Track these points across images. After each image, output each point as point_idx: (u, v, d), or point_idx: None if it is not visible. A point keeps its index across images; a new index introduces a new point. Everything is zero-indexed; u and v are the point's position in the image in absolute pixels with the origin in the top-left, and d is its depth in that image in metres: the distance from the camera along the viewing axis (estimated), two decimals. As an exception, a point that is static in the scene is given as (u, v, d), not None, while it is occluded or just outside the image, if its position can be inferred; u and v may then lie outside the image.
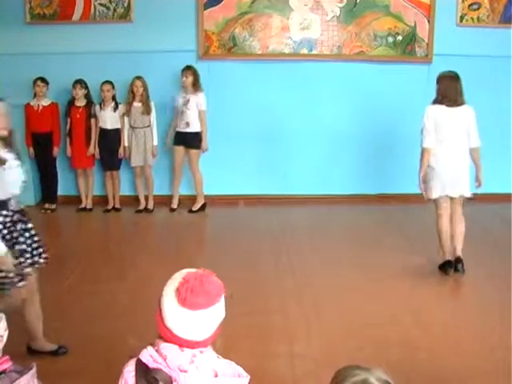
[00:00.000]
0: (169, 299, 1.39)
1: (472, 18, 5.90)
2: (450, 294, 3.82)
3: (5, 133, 2.71)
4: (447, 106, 3.99)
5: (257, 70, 5.89)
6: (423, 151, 4.01)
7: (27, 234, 2.78)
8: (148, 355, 1.38)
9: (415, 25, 5.86)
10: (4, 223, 2.67)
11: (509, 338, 3.05)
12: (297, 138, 6.05)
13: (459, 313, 3.51)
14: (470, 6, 5.87)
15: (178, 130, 5.69)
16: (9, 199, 2.71)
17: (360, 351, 2.96)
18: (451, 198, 4.07)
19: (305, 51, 5.93)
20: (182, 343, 1.39)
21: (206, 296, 1.36)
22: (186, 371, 1.36)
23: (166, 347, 1.39)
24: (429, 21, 5.84)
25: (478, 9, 5.88)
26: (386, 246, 4.84)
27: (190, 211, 5.76)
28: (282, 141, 6.02)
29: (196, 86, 5.58)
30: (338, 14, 5.84)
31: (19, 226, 2.74)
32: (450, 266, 4.03)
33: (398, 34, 5.88)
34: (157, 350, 1.39)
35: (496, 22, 5.90)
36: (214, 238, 5.10)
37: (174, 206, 5.86)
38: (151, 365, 1.36)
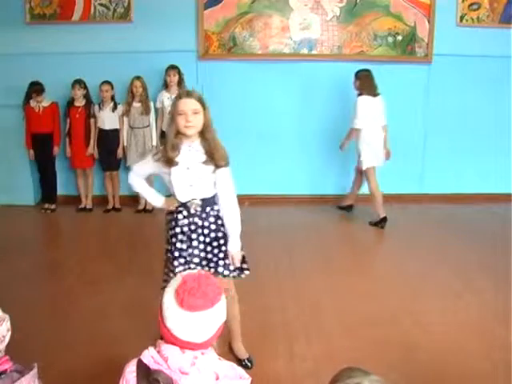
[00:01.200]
0: (169, 300, 1.39)
1: (472, 18, 5.90)
2: (450, 293, 3.82)
3: (190, 132, 2.50)
4: (372, 96, 5.14)
5: (257, 70, 5.89)
6: (353, 131, 5.23)
7: (215, 244, 2.61)
8: (149, 356, 1.38)
9: (415, 25, 5.86)
10: (182, 226, 2.58)
11: (509, 338, 3.06)
12: (297, 137, 6.05)
13: (459, 313, 3.50)
14: (469, 6, 5.87)
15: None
16: (187, 202, 2.58)
17: (360, 351, 2.96)
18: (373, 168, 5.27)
19: (305, 51, 5.93)
20: (183, 344, 1.38)
21: (204, 298, 1.36)
22: (187, 373, 1.35)
23: (167, 348, 1.38)
24: (429, 21, 5.83)
25: (478, 9, 5.88)
26: (385, 246, 4.85)
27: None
28: (281, 140, 6.02)
29: (181, 85, 5.60)
30: (338, 14, 5.84)
31: (200, 231, 2.59)
32: (385, 221, 5.20)
33: (397, 33, 5.88)
34: (158, 351, 1.38)
35: (496, 22, 5.90)
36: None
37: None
38: (152, 366, 1.36)
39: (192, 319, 1.36)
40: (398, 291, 3.83)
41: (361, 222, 5.44)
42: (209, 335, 1.40)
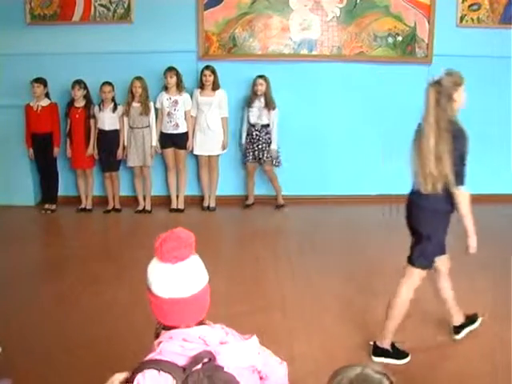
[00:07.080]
0: (151, 266, 1.44)
1: (472, 19, 5.89)
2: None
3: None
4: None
5: (257, 70, 5.87)
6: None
7: None
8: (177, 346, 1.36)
9: (415, 25, 5.85)
10: None
11: (509, 339, 3.06)
12: (296, 137, 6.04)
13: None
14: (469, 6, 5.86)
15: (166, 131, 5.71)
16: None
17: (360, 351, 2.96)
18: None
19: (305, 52, 5.93)
20: (171, 307, 1.41)
21: (178, 240, 1.43)
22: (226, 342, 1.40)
23: (199, 329, 1.40)
24: (429, 21, 5.83)
25: (478, 9, 5.88)
26: (386, 246, 4.84)
27: (172, 210, 5.86)
28: (280, 141, 6.01)
29: (180, 86, 5.64)
30: (337, 15, 5.84)
31: None
32: None
33: (397, 34, 5.88)
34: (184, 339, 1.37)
35: (496, 22, 5.89)
36: (213, 238, 5.10)
37: (174, 206, 5.88)
38: (189, 353, 1.34)
39: (174, 270, 1.42)
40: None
41: (361, 222, 5.44)
42: (195, 289, 1.43)
